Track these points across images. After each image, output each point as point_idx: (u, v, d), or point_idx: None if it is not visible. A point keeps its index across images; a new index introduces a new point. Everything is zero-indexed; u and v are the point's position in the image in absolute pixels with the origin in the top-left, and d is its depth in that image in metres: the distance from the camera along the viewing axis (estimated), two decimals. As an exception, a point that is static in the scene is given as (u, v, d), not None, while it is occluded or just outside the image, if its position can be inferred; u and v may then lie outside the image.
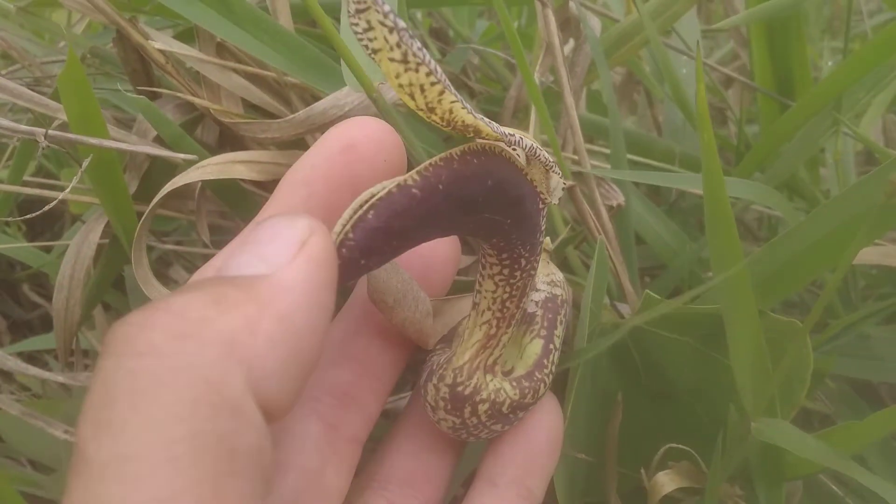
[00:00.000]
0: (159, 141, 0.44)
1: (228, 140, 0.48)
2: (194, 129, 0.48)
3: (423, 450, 0.34)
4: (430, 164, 0.24)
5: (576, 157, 0.48)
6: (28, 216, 0.40)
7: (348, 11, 0.20)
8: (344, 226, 0.23)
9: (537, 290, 0.33)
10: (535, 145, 0.26)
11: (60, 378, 0.50)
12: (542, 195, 0.27)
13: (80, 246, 0.45)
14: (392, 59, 0.21)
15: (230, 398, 0.19)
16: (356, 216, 0.23)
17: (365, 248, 0.23)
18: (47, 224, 0.80)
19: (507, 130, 0.25)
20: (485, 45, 0.63)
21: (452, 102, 0.22)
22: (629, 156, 0.55)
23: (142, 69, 0.44)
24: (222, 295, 0.20)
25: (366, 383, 0.33)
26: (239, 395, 0.19)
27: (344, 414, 0.32)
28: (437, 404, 0.31)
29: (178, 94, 0.42)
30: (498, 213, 0.26)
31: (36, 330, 0.80)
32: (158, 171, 0.46)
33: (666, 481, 0.35)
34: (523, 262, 0.28)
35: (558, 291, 0.33)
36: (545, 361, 0.31)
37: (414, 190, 0.23)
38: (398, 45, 0.20)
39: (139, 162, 0.44)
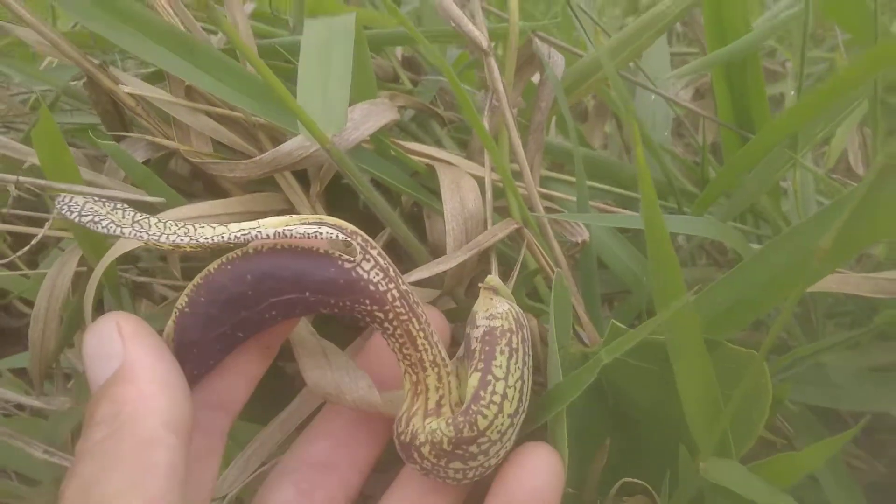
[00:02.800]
0: (131, 180, 0.45)
1: (201, 174, 0.49)
2: (167, 164, 0.49)
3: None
4: (194, 284, 0.30)
5: (542, 190, 0.50)
6: (18, 254, 0.42)
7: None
8: None
9: (476, 327, 0.34)
10: (280, 230, 0.30)
11: (37, 403, 0.52)
12: (341, 257, 0.31)
13: (56, 278, 0.46)
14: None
15: (150, 440, 0.27)
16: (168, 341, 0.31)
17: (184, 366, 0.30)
18: (38, 243, 0.81)
19: (250, 230, 0.30)
20: (457, 72, 0.64)
21: (187, 243, 0.29)
22: (595, 184, 0.56)
23: (113, 110, 0.45)
24: (111, 395, 0.28)
25: (343, 453, 0.36)
26: (155, 435, 0.27)
27: (319, 479, 0.36)
28: (399, 454, 0.34)
29: (147, 138, 0.43)
30: (286, 294, 0.30)
31: (24, 338, 0.81)
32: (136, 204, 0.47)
33: (621, 514, 0.36)
34: (379, 314, 0.31)
35: (497, 323, 0.34)
36: (482, 393, 0.32)
37: (186, 310, 0.30)
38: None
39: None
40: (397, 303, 0.31)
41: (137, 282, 0.51)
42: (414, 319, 0.32)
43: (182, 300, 0.30)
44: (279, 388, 0.45)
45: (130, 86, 0.43)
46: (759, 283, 0.36)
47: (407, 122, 0.57)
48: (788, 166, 0.49)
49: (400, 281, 0.32)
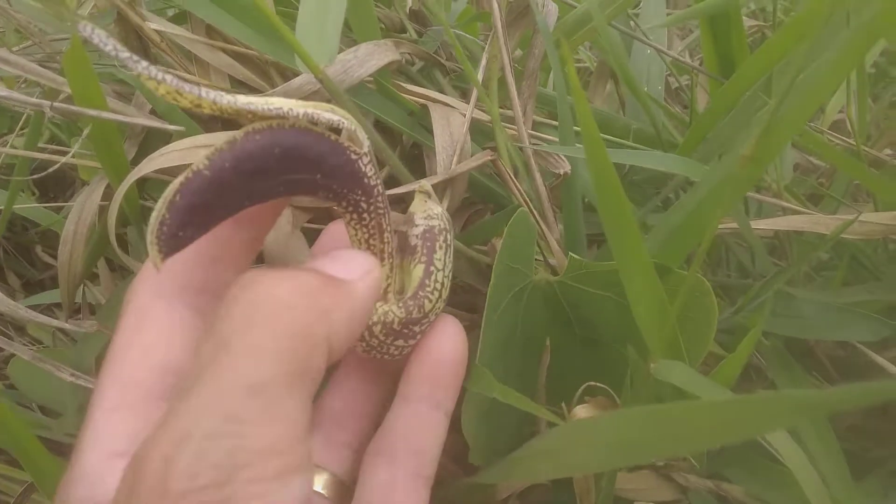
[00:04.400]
0: (155, 112, 0.49)
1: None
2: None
3: (355, 390, 0.41)
4: (217, 148, 0.29)
5: (534, 133, 0.54)
6: (37, 175, 0.46)
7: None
8: (160, 209, 0.29)
9: (416, 226, 0.39)
10: (310, 112, 0.31)
11: (67, 325, 0.56)
12: (350, 148, 0.33)
13: (84, 205, 0.51)
14: (147, 80, 0.28)
15: (315, 341, 0.28)
16: (168, 200, 0.29)
17: (178, 223, 0.29)
18: (59, 189, 0.86)
19: (283, 105, 0.30)
20: (462, 24, 0.68)
21: (214, 98, 0.29)
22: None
23: (140, 47, 0.49)
24: (325, 283, 0.30)
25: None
26: (320, 342, 0.28)
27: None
28: None
29: (171, 71, 0.47)
30: (301, 173, 0.31)
31: (48, 289, 0.85)
32: (155, 138, 0.51)
33: (582, 413, 0.40)
34: (364, 205, 0.34)
35: (434, 223, 0.39)
36: (427, 281, 0.37)
37: (205, 172, 0.29)
38: (144, 73, 0.27)
39: (137, 132, 0.50)
40: (379, 198, 0.35)
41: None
42: (387, 215, 0.36)
43: (201, 162, 0.29)
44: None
45: (156, 23, 0.47)
46: (696, 203, 0.39)
47: (414, 72, 0.60)
48: (764, 109, 0.52)
49: (380, 180, 0.36)
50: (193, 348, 0.30)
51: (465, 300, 0.56)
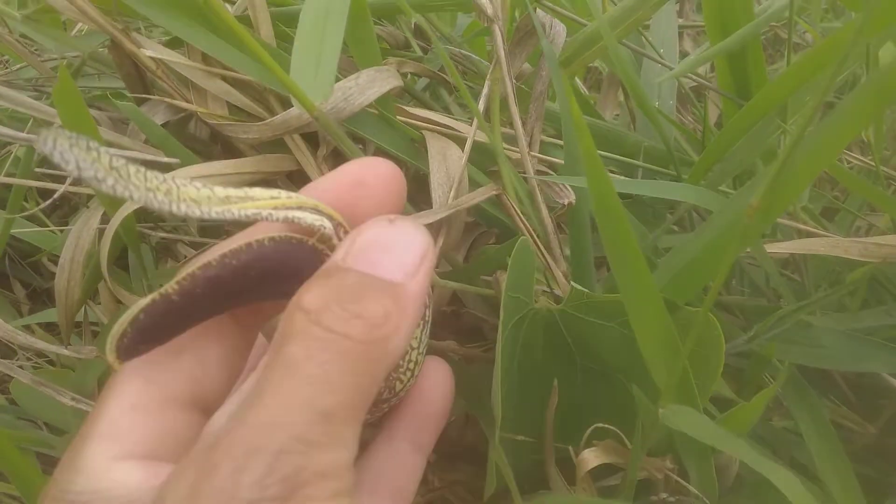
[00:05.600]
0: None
1: (220, 134, 0.52)
2: (187, 124, 0.52)
3: None
4: (189, 273, 0.28)
5: (541, 156, 0.52)
6: (41, 206, 0.45)
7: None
8: (123, 323, 0.28)
9: None
10: (290, 215, 0.29)
11: (65, 351, 0.55)
12: (324, 252, 0.31)
13: (80, 233, 0.50)
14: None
15: (376, 378, 0.27)
16: (132, 317, 0.28)
17: (138, 339, 0.29)
18: (63, 200, 0.85)
19: (262, 210, 0.29)
20: (468, 39, 0.66)
21: (185, 212, 0.27)
22: (599, 152, 0.58)
23: (136, 74, 0.48)
24: (385, 304, 0.28)
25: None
26: (380, 376, 0.28)
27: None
28: None
29: (167, 100, 0.46)
30: (279, 286, 0.30)
31: (53, 297, 0.85)
32: (152, 167, 0.50)
33: (591, 458, 0.38)
34: None
35: None
36: (400, 362, 0.34)
37: (174, 297, 0.28)
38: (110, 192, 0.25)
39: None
40: None
41: (161, 240, 0.54)
42: None
43: (171, 287, 0.28)
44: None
45: (151, 50, 0.46)
46: (706, 243, 0.38)
47: (419, 91, 0.59)
48: (779, 133, 0.51)
49: None
50: (227, 358, 0.31)
51: (470, 324, 0.55)
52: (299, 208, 0.30)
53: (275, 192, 0.30)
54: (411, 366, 0.35)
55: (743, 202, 0.36)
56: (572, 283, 0.38)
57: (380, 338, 0.27)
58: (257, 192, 0.29)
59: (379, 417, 0.37)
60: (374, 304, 0.27)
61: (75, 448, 0.29)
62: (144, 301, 0.28)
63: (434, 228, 0.45)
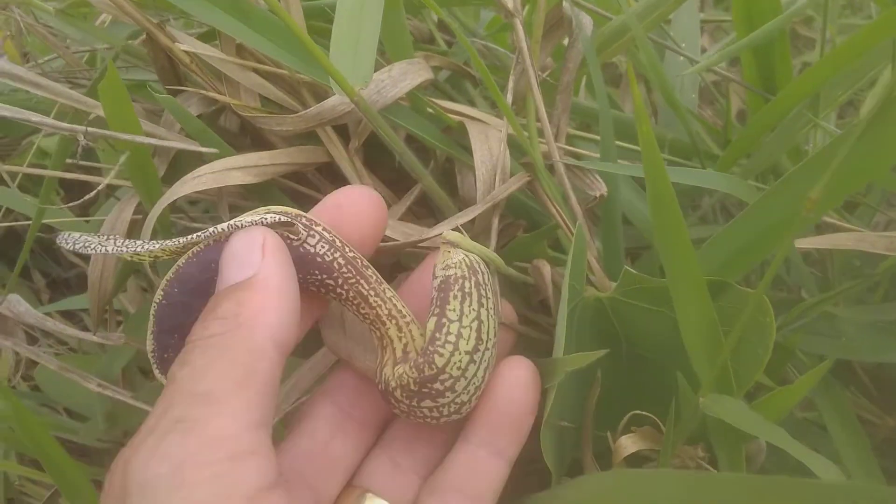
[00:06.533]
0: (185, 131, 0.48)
1: (249, 127, 0.52)
2: (218, 117, 0.53)
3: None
4: (167, 279, 0.35)
5: (569, 148, 0.53)
6: (72, 204, 0.46)
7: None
8: (149, 340, 0.36)
9: (435, 278, 0.37)
10: (233, 222, 0.34)
11: (95, 338, 0.55)
12: (286, 237, 0.35)
13: (114, 223, 0.50)
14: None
15: (258, 349, 0.31)
16: (151, 331, 0.36)
17: (162, 348, 0.36)
18: (87, 188, 0.85)
19: (205, 231, 0.35)
20: (491, 34, 0.67)
21: (157, 249, 0.35)
22: (622, 143, 0.58)
23: (169, 67, 0.49)
24: (238, 298, 0.32)
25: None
26: (264, 346, 0.31)
27: (357, 401, 0.40)
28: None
29: (201, 92, 0.46)
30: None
31: (73, 287, 0.85)
32: (185, 156, 0.50)
33: (628, 444, 0.39)
34: (330, 282, 0.36)
35: (451, 272, 0.37)
36: (437, 335, 0.35)
37: (163, 302, 0.35)
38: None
39: (167, 150, 0.49)
40: (344, 269, 0.35)
41: (189, 227, 0.55)
42: (363, 281, 0.36)
43: (158, 295, 0.35)
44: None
45: (186, 44, 0.46)
46: (755, 232, 0.39)
47: (442, 82, 0.59)
48: (809, 127, 0.51)
49: (347, 249, 0.36)
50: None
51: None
52: (252, 215, 0.35)
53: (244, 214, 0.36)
54: (452, 338, 0.36)
55: (789, 195, 0.36)
56: (626, 267, 0.39)
57: (242, 322, 0.31)
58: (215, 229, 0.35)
59: (450, 421, 0.37)
60: (226, 303, 0.32)
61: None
62: (150, 313, 0.35)
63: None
